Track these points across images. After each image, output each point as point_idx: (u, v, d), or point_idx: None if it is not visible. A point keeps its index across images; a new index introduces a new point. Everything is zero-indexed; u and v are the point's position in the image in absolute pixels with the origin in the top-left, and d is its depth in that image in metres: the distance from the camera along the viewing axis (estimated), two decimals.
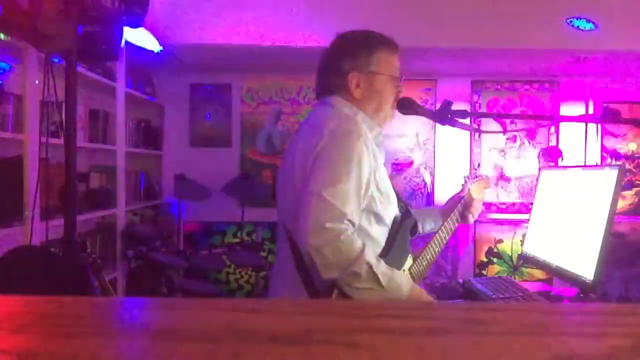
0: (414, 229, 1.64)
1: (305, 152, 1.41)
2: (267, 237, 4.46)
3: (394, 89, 1.56)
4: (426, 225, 1.82)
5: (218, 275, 4.50)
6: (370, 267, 1.30)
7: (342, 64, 1.52)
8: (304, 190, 1.35)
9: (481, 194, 1.88)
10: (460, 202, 1.81)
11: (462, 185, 1.88)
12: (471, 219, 1.83)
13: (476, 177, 1.91)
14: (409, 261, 1.56)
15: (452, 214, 1.76)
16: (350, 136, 1.38)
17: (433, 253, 1.65)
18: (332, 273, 1.31)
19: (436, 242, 1.67)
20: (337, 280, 1.32)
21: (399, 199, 1.60)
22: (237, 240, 4.45)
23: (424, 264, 1.62)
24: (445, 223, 1.72)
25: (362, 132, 1.41)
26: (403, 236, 1.54)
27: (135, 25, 1.87)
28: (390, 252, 1.47)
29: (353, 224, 1.35)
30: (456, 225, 1.78)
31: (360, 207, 1.39)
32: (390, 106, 1.57)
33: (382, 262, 1.37)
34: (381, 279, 1.31)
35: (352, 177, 1.34)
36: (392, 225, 1.52)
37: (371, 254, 1.34)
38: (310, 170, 1.37)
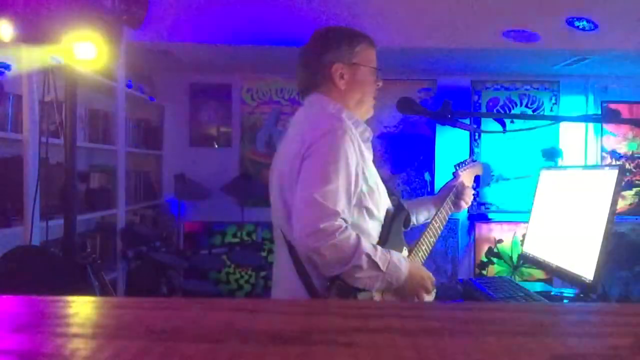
0: (407, 221, 1.65)
1: (292, 155, 1.42)
2: (267, 237, 4.45)
3: (375, 82, 1.58)
4: (420, 216, 1.83)
5: (218, 275, 4.50)
6: (369, 256, 1.34)
7: (325, 56, 1.52)
8: (296, 195, 1.37)
9: (472, 180, 1.89)
10: (452, 191, 1.82)
11: (453, 173, 1.88)
12: (464, 206, 1.84)
13: (468, 164, 1.91)
14: (404, 253, 1.57)
15: (444, 203, 1.77)
16: (335, 134, 1.39)
17: (428, 243, 1.67)
18: (334, 270, 1.34)
19: (430, 233, 1.69)
20: (342, 274, 1.35)
21: (391, 193, 1.61)
22: (237, 240, 4.44)
23: (420, 254, 1.64)
24: (439, 212, 1.74)
25: (347, 128, 1.42)
26: (396, 229, 1.56)
27: (135, 25, 1.87)
28: (385, 246, 1.48)
29: (346, 221, 1.36)
30: (449, 213, 1.79)
31: (351, 203, 1.40)
32: (372, 99, 1.59)
33: (379, 247, 1.40)
34: (380, 264, 1.36)
35: (340, 175, 1.35)
36: (385, 219, 1.53)
37: (367, 244, 1.37)
38: (298, 172, 1.38)
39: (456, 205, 1.82)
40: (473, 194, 1.88)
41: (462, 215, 4.47)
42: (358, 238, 1.34)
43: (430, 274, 1.54)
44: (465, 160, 1.93)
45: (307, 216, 1.33)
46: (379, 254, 1.37)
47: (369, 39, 1.58)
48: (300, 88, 1.60)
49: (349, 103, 1.53)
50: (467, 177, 1.87)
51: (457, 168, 1.88)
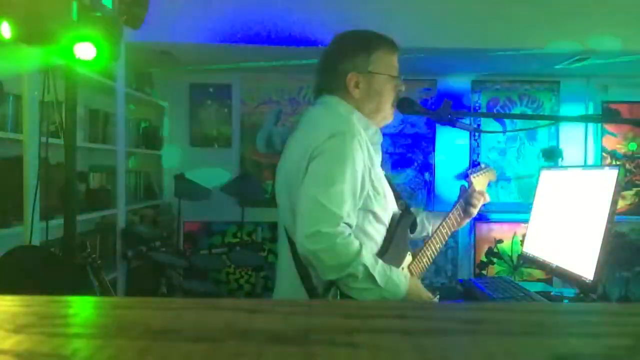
0: (413, 226, 1.63)
1: (301, 153, 1.41)
2: (267, 237, 4.45)
3: (394, 89, 1.56)
4: (434, 228, 1.79)
5: (218, 275, 4.50)
6: (367, 268, 1.32)
7: (341, 64, 1.51)
8: (301, 194, 1.36)
9: (484, 186, 1.86)
10: (462, 197, 1.79)
11: (466, 179, 1.85)
12: (474, 211, 1.78)
13: (481, 170, 1.89)
14: (408, 258, 1.56)
15: (453, 209, 1.75)
16: (343, 136, 1.38)
17: (433, 250, 1.65)
18: (330, 275, 1.33)
19: (437, 239, 1.67)
20: (336, 281, 1.34)
21: (399, 197, 1.60)
22: (237, 240, 4.44)
23: (424, 260, 1.62)
24: (447, 219, 1.72)
25: (356, 131, 1.41)
26: (402, 234, 1.54)
27: (135, 25, 1.87)
28: (389, 250, 1.47)
29: (350, 225, 1.35)
30: (458, 221, 1.76)
31: (357, 206, 1.39)
32: (390, 106, 1.57)
33: (380, 261, 1.38)
34: (378, 279, 1.33)
35: (346, 178, 1.34)
36: (391, 223, 1.52)
37: (369, 255, 1.34)
38: (305, 171, 1.38)
39: (466, 210, 1.77)
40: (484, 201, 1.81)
41: None
42: (360, 247, 1.32)
43: (430, 294, 1.51)
44: (479, 166, 1.91)
45: (309, 217, 1.32)
46: (379, 268, 1.35)
47: (389, 44, 1.55)
48: (315, 89, 1.59)
49: (364, 111, 1.51)
50: (480, 183, 1.84)
51: (470, 173, 1.85)
